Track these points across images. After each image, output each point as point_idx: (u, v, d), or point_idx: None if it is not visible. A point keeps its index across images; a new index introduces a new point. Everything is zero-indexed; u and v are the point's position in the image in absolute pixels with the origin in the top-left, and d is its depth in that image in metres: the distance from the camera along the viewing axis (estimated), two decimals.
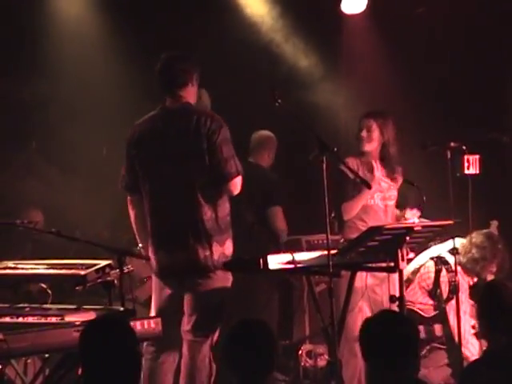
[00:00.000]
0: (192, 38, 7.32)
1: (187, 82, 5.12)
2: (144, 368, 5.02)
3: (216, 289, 5.03)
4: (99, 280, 4.94)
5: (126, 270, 5.04)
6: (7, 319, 4.67)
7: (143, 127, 5.18)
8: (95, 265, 4.98)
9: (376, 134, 5.84)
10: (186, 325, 5.11)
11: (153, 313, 5.18)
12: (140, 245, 5.30)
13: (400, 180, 6.00)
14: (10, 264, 5.18)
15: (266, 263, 4.83)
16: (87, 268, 4.94)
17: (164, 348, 5.14)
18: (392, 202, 5.95)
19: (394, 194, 5.97)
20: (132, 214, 5.29)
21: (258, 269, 4.88)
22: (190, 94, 5.15)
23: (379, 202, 5.86)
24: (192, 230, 5.00)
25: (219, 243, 5.02)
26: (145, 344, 5.06)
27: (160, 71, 5.15)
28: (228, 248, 5.08)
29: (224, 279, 5.06)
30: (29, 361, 5.42)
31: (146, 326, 4.62)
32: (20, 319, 4.66)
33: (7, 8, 7.13)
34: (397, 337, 3.59)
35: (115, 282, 4.96)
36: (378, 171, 5.87)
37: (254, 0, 7.91)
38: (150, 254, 5.18)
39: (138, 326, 4.54)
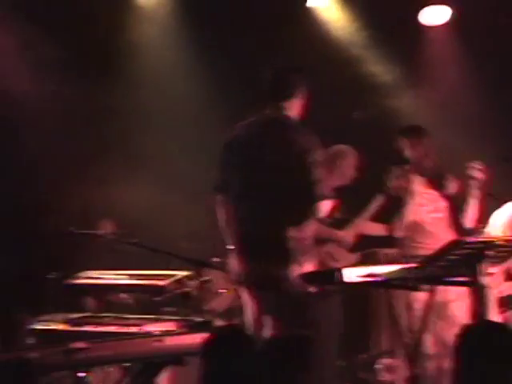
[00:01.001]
0: (272, 52, 7.35)
1: (292, 94, 5.10)
2: None
3: (295, 303, 5.01)
4: (178, 291, 5.00)
5: (204, 282, 5.09)
6: (89, 328, 4.78)
7: (240, 132, 5.15)
8: (174, 275, 5.04)
9: (407, 151, 5.81)
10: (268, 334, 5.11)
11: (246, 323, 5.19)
12: (228, 246, 5.25)
13: (454, 188, 5.89)
14: (93, 274, 5.28)
15: (341, 276, 4.80)
16: (166, 279, 5.00)
17: None
18: (441, 215, 5.85)
19: (442, 204, 5.87)
20: (221, 215, 5.18)
21: (333, 282, 4.85)
22: (294, 107, 5.13)
23: (424, 216, 5.81)
24: (272, 246, 4.95)
25: (298, 264, 4.96)
26: None
27: (269, 80, 5.16)
28: (308, 268, 5.03)
29: (303, 294, 5.04)
30: (110, 370, 5.51)
31: None
32: (101, 328, 4.76)
33: (96, 22, 7.30)
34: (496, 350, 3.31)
35: (193, 292, 5.00)
36: (417, 185, 5.83)
37: (334, 14, 7.91)
38: (235, 262, 5.13)
39: None
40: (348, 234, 6.30)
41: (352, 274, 4.81)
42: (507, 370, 3.27)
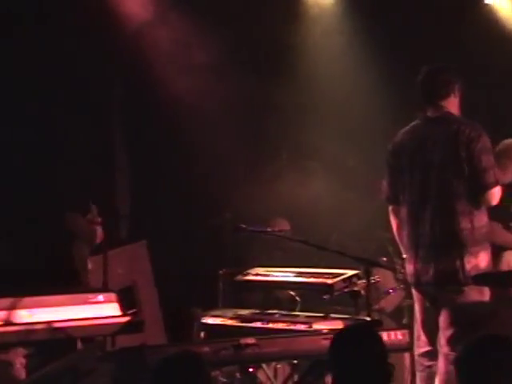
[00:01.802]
0: (443, 50, 7.19)
1: (449, 92, 5.09)
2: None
3: (470, 303, 4.88)
4: (346, 289, 4.97)
5: (372, 281, 5.04)
6: (258, 324, 4.84)
7: (404, 137, 5.19)
8: (342, 274, 5.02)
9: None
10: (442, 338, 5.01)
11: (416, 324, 5.15)
12: (403, 256, 5.25)
13: None
14: (261, 271, 5.34)
15: None
16: (334, 277, 4.99)
17: (429, 358, 5.09)
18: None
19: None
20: (394, 224, 5.23)
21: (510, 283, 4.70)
22: (452, 105, 5.10)
23: None
24: (445, 241, 4.91)
25: (473, 255, 4.88)
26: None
27: (422, 82, 5.16)
28: (483, 260, 4.92)
29: (479, 293, 4.92)
30: (278, 366, 5.56)
31: (392, 337, 4.62)
32: (270, 325, 4.82)
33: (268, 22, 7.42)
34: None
35: (362, 292, 4.97)
36: None
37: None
38: (406, 264, 5.12)
39: (384, 336, 4.53)
40: None
41: None
42: None
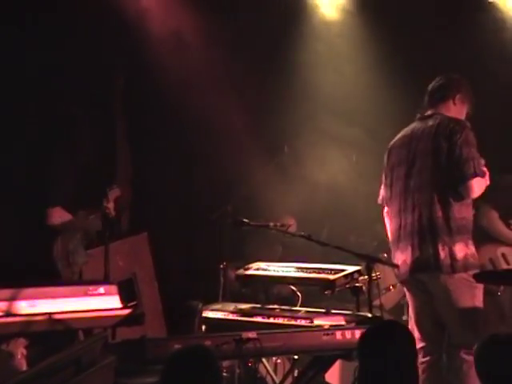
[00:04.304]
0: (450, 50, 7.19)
1: (446, 98, 5.19)
2: None
3: (454, 293, 4.92)
4: (347, 285, 4.97)
5: (374, 277, 5.04)
6: (259, 319, 4.84)
7: (398, 137, 5.34)
8: (344, 270, 5.02)
9: None
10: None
11: (410, 321, 5.25)
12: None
13: None
14: (262, 265, 5.34)
15: None
16: (336, 273, 4.98)
17: (428, 352, 5.11)
18: None
19: None
20: (387, 225, 5.35)
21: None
22: (449, 111, 5.19)
23: None
24: (422, 228, 5.01)
25: (447, 244, 4.94)
26: None
27: (428, 89, 5.29)
28: (460, 251, 4.95)
29: (464, 284, 4.93)
30: (278, 361, 5.56)
31: None
32: (271, 320, 4.82)
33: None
34: None
35: (363, 288, 4.97)
36: None
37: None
38: (397, 257, 5.21)
39: None
40: None
41: None
42: None
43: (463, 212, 5.01)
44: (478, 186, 4.95)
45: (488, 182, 5.03)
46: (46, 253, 5.62)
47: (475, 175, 4.92)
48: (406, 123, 5.38)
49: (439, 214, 4.97)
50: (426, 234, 5.00)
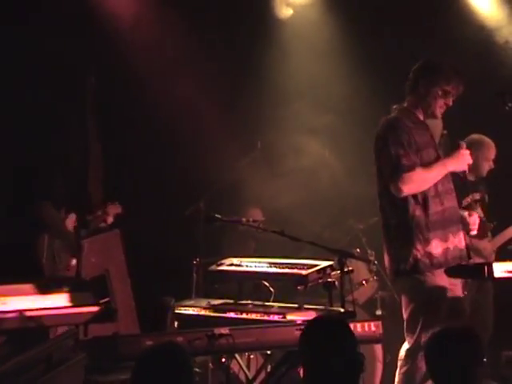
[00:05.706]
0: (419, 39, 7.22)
1: (415, 89, 5.10)
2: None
3: (413, 289, 4.96)
4: (320, 280, 4.98)
5: (345, 272, 5.05)
6: (232, 315, 4.84)
7: None
8: (316, 265, 5.03)
9: None
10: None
11: None
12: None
13: None
14: (235, 261, 5.33)
15: (491, 271, 4.67)
16: (309, 268, 4.99)
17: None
18: None
19: None
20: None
21: (482, 276, 4.72)
22: (418, 103, 5.11)
23: None
24: (387, 231, 5.06)
25: (398, 249, 4.99)
26: None
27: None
28: (407, 257, 4.94)
29: (425, 279, 4.95)
30: (252, 356, 5.56)
31: (366, 329, 4.63)
32: (244, 315, 4.81)
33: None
34: None
35: (336, 283, 4.98)
36: None
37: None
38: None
39: (358, 328, 4.55)
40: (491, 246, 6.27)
41: (501, 270, 4.69)
42: None
43: (415, 211, 5.01)
44: (403, 182, 4.94)
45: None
46: (30, 248, 5.58)
47: (396, 175, 4.96)
48: (382, 108, 5.33)
49: (388, 219, 5.09)
50: (384, 239, 5.14)
